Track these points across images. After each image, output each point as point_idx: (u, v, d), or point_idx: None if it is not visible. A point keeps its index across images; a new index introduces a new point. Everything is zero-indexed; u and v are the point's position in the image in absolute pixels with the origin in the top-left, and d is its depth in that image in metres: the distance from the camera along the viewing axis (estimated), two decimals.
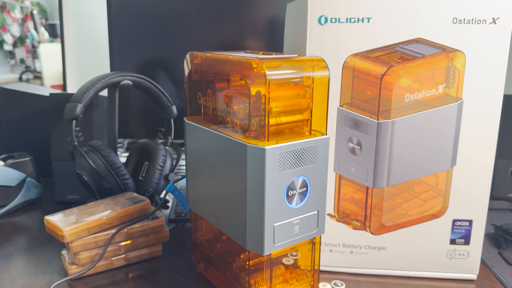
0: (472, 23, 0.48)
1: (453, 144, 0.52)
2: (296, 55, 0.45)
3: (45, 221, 0.55)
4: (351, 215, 0.55)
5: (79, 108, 0.65)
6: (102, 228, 0.55)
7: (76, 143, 0.66)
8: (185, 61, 0.50)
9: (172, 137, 0.78)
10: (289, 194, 0.42)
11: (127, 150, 1.10)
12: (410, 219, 0.54)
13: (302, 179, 0.43)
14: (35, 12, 3.90)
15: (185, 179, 0.54)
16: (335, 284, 0.53)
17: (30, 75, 4.06)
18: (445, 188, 0.53)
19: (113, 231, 0.56)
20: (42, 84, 3.38)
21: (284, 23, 0.60)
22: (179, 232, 0.68)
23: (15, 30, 4.59)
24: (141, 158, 0.74)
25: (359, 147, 0.52)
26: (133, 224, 0.57)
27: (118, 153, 0.94)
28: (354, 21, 0.49)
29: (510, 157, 0.77)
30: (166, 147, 0.75)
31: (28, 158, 0.79)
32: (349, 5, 0.49)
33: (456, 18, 0.48)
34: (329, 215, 0.55)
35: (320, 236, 0.47)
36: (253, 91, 0.40)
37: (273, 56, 0.43)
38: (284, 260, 0.47)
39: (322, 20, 0.49)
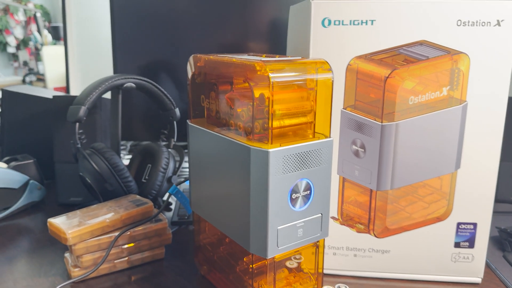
0: (477, 25, 0.48)
1: (458, 147, 0.51)
2: (300, 57, 0.45)
3: (48, 223, 0.55)
4: (355, 218, 0.55)
5: (82, 110, 0.65)
6: (105, 230, 0.55)
7: (79, 145, 0.66)
8: (188, 63, 0.50)
9: (175, 140, 0.78)
10: (293, 197, 0.42)
11: (130, 152, 1.10)
12: (414, 222, 0.54)
13: (306, 182, 0.42)
14: (38, 14, 3.91)
15: (188, 181, 0.54)
16: (338, 287, 0.53)
17: (33, 78, 4.07)
18: (449, 191, 0.53)
19: (116, 233, 0.56)
20: (45, 87, 3.40)
21: (288, 25, 0.60)
22: (182, 235, 0.68)
23: (19, 32, 4.62)
24: (144, 160, 0.74)
25: (363, 150, 0.52)
26: (136, 227, 0.57)
27: (121, 155, 0.94)
28: (358, 24, 0.49)
29: None
30: (169, 150, 0.75)
31: (31, 161, 0.79)
32: (352, 7, 0.49)
33: (460, 20, 0.48)
34: (333, 218, 0.55)
35: (324, 239, 0.47)
36: (257, 93, 0.40)
37: (277, 58, 0.42)
38: (288, 263, 0.47)
39: (326, 22, 0.49)
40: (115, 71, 0.87)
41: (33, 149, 0.86)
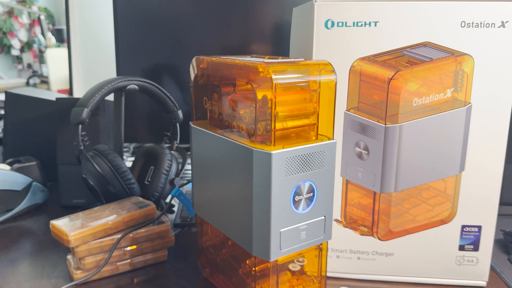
0: (481, 26, 0.48)
1: (462, 149, 0.51)
2: (303, 59, 0.44)
3: (50, 225, 0.55)
4: (358, 220, 0.54)
5: (85, 112, 0.65)
6: (107, 233, 0.55)
7: (82, 147, 0.67)
8: (191, 65, 0.50)
9: (178, 142, 0.78)
10: (296, 199, 0.42)
11: (133, 154, 1.10)
12: (418, 225, 0.53)
13: (309, 184, 0.42)
14: (42, 17, 3.93)
15: (190, 183, 0.54)
16: None
17: (37, 80, 4.09)
18: (453, 193, 0.52)
19: (119, 236, 0.55)
20: (49, 89, 3.41)
21: (290, 27, 0.60)
22: (184, 237, 0.68)
23: (23, 35, 4.64)
24: (147, 162, 0.74)
25: (367, 152, 0.52)
26: (139, 229, 0.57)
27: (124, 157, 0.94)
28: (361, 25, 0.49)
29: None
30: (172, 152, 0.75)
31: (34, 163, 0.79)
32: (356, 9, 0.48)
33: (464, 21, 0.48)
34: (336, 220, 0.55)
35: (327, 241, 0.46)
36: (260, 95, 0.40)
37: (280, 60, 0.42)
38: (291, 266, 0.47)
39: (329, 24, 0.49)
40: (118, 73, 0.87)
41: (36, 151, 0.87)
